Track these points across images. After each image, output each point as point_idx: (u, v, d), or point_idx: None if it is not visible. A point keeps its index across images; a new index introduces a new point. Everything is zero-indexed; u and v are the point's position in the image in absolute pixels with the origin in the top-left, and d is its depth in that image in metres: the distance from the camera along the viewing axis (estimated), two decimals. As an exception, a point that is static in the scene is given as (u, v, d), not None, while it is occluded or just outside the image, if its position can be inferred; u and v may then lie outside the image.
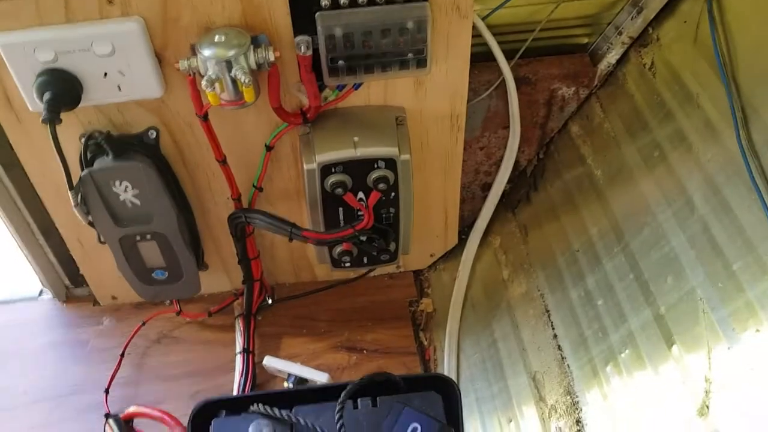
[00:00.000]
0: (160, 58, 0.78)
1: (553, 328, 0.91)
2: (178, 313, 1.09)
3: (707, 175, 0.77)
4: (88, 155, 0.85)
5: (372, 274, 1.13)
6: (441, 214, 1.03)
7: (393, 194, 0.89)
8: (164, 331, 1.09)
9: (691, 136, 0.82)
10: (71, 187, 0.82)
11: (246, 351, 1.02)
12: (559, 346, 0.89)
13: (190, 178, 0.93)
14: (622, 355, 0.79)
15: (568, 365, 0.87)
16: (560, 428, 0.85)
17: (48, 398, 1.03)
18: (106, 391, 1.01)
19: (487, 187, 1.03)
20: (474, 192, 1.03)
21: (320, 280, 1.13)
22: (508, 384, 0.95)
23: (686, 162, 0.81)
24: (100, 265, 1.04)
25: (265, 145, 0.89)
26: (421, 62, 0.78)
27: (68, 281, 1.13)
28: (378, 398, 0.70)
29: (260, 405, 0.69)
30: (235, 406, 0.72)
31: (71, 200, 0.83)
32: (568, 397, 0.85)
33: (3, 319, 1.13)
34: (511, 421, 0.93)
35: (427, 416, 0.67)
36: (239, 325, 1.06)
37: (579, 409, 0.83)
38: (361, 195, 0.88)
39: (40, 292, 1.16)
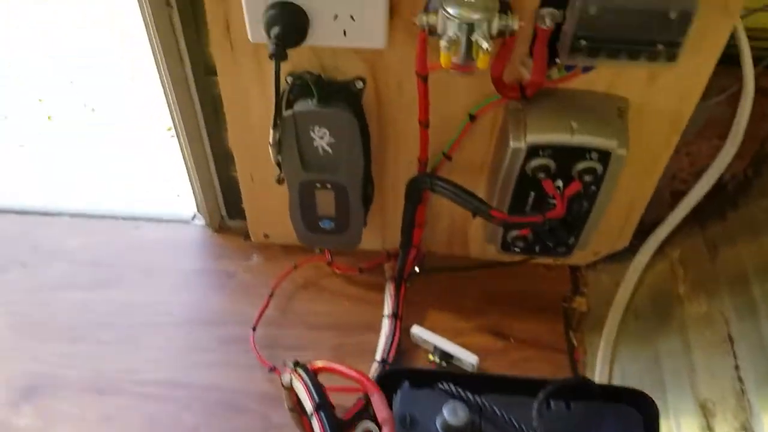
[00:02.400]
0: (392, 9, 0.74)
1: (735, 358, 0.85)
2: (329, 263, 1.08)
3: None
4: (292, 96, 0.83)
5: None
6: (622, 213, 0.97)
7: (593, 188, 0.83)
8: (312, 279, 1.08)
9: None
10: (275, 125, 0.80)
11: (395, 315, 1.01)
12: (740, 378, 0.83)
13: (378, 134, 0.90)
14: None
15: (748, 400, 0.81)
16: (730, 465, 0.80)
17: (191, 322, 1.04)
18: (254, 329, 1.01)
19: (677, 195, 0.96)
20: (662, 197, 0.97)
21: (472, 258, 1.10)
22: (668, 403, 0.90)
23: None
24: (264, 203, 1.04)
25: (469, 114, 0.85)
26: (672, 56, 0.71)
27: (225, 211, 1.13)
28: (572, 403, 0.67)
29: (449, 384, 0.67)
30: (418, 378, 0.70)
31: (270, 138, 0.82)
32: (745, 435, 0.79)
33: (154, 236, 1.15)
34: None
35: (628, 435, 0.63)
36: (390, 289, 1.04)
37: (757, 450, 0.78)
38: (559, 182, 0.83)
39: (193, 217, 1.16)
